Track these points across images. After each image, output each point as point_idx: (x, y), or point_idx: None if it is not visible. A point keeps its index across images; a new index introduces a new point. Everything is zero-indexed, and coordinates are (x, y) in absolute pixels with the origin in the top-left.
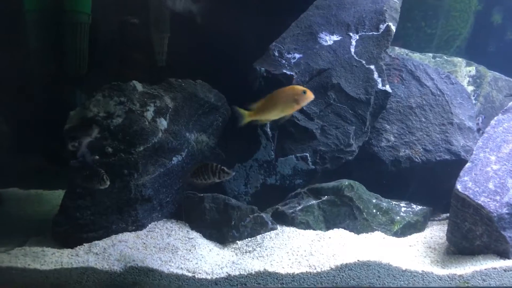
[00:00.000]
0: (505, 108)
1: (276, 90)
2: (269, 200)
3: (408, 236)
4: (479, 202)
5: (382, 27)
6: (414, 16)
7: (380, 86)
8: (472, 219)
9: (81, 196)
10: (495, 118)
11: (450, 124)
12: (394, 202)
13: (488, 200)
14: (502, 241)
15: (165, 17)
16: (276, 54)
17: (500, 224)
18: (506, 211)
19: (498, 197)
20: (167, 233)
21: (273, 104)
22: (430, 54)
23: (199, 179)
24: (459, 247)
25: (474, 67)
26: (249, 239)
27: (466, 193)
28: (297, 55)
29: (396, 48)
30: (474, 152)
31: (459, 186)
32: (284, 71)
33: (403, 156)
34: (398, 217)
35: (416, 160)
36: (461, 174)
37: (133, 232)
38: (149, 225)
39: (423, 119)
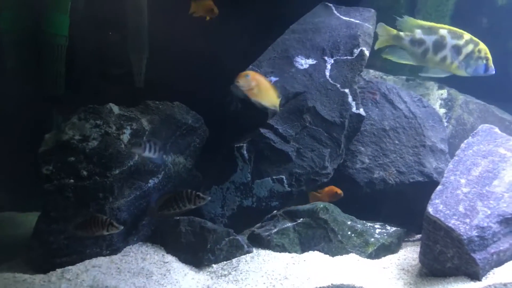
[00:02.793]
0: (475, 131)
1: None
2: (246, 222)
3: (382, 257)
4: (450, 225)
5: (356, 51)
6: None
7: (354, 109)
8: (443, 241)
9: (55, 220)
10: (465, 141)
11: (422, 146)
12: (369, 224)
13: (458, 223)
14: (472, 264)
15: (143, 38)
16: None
17: (470, 247)
18: (476, 234)
19: (468, 220)
20: (142, 257)
21: None
22: (404, 77)
23: (172, 209)
24: (431, 269)
25: (446, 90)
26: (225, 262)
27: (437, 215)
28: (273, 78)
29: (371, 70)
30: (445, 175)
31: (430, 209)
32: None
33: (377, 178)
34: (372, 239)
35: (390, 181)
36: (432, 196)
37: (108, 257)
38: (124, 249)
39: (397, 142)
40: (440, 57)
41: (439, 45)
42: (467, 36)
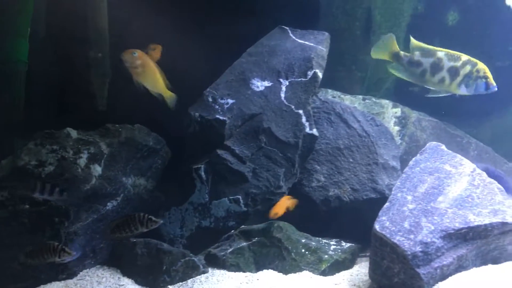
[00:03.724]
0: (423, 149)
1: None
2: (205, 243)
3: (336, 274)
4: (395, 241)
5: (310, 73)
6: (345, 60)
7: (307, 130)
8: (390, 257)
9: (10, 247)
10: (413, 158)
11: (375, 164)
12: (325, 241)
13: (403, 239)
14: (417, 278)
15: (106, 62)
16: (210, 99)
17: (414, 262)
18: (420, 249)
19: (412, 236)
20: (97, 281)
21: None
22: (360, 96)
23: (124, 233)
24: (380, 284)
25: (399, 109)
26: (180, 283)
27: (383, 232)
28: (230, 101)
29: (329, 90)
30: (392, 192)
31: (377, 226)
32: (217, 116)
33: (332, 196)
34: (326, 256)
35: (345, 199)
36: (379, 213)
37: (63, 281)
38: (81, 272)
39: (351, 160)
40: (438, 78)
41: (436, 67)
42: (464, 57)
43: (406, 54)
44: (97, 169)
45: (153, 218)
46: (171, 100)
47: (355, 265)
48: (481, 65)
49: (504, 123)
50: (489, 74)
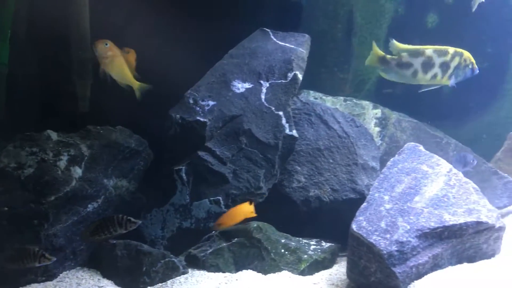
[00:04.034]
0: (401, 149)
1: None
2: (186, 244)
3: (315, 273)
4: (371, 240)
5: (290, 75)
6: (327, 62)
7: (287, 131)
8: (367, 256)
9: None
10: (391, 159)
11: (355, 164)
12: (305, 241)
13: (379, 238)
14: (392, 277)
15: (88, 64)
16: (191, 101)
17: (390, 261)
18: (395, 249)
19: (388, 235)
20: (77, 283)
21: None
22: (342, 98)
23: (102, 234)
24: (358, 283)
25: (380, 110)
26: (160, 284)
27: (360, 232)
28: (211, 102)
29: (311, 91)
30: (370, 192)
31: (354, 226)
32: (198, 118)
33: (312, 196)
34: (305, 256)
35: (325, 199)
36: (357, 214)
37: (42, 283)
38: (60, 274)
39: (331, 160)
40: (430, 75)
41: (427, 65)
42: (451, 50)
43: (393, 57)
44: (78, 171)
45: (132, 219)
46: (139, 89)
47: (335, 265)
48: (466, 54)
49: (483, 124)
50: (473, 60)
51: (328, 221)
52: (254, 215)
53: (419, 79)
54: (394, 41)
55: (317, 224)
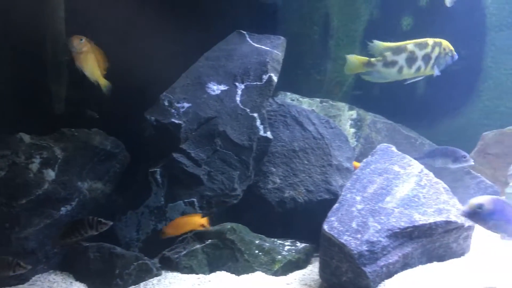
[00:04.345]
0: (374, 150)
1: None
2: (161, 246)
3: (289, 274)
4: (342, 240)
5: (265, 77)
6: (304, 64)
7: (262, 133)
8: (338, 256)
9: None
10: (364, 160)
11: (329, 165)
12: (279, 241)
13: (350, 238)
14: (363, 276)
15: (63, 65)
16: (166, 103)
17: (361, 261)
18: (366, 248)
19: (359, 235)
20: (48, 286)
21: None
22: (318, 99)
23: (73, 237)
24: (330, 283)
25: (355, 111)
26: (133, 286)
27: (331, 232)
28: (186, 104)
29: (288, 93)
30: (342, 193)
31: (325, 226)
32: (173, 120)
33: (287, 197)
34: (279, 256)
35: (299, 200)
36: (329, 214)
37: (14, 287)
38: (32, 278)
39: (306, 162)
40: (414, 69)
41: (411, 60)
42: (430, 41)
43: (378, 59)
44: (51, 174)
45: (103, 221)
46: (105, 87)
47: (309, 265)
48: (445, 43)
49: (457, 124)
50: (451, 47)
51: (303, 221)
52: (206, 228)
53: (405, 74)
54: (377, 42)
55: (292, 224)
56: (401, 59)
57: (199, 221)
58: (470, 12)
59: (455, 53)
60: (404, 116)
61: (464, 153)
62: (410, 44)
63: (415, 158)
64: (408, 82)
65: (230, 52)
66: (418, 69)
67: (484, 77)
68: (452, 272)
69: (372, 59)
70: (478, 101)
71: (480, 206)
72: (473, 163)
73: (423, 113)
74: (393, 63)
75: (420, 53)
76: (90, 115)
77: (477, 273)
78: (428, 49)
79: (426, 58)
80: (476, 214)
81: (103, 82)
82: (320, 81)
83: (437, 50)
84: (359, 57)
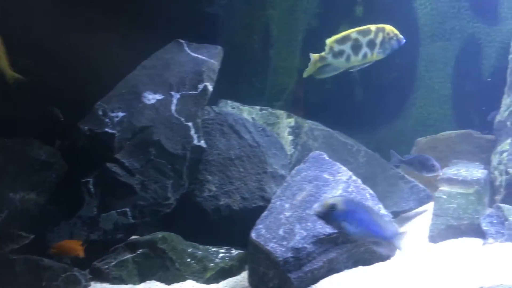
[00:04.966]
0: (306, 158)
1: None
2: (94, 256)
3: (221, 281)
4: (268, 248)
5: (200, 86)
6: (245, 72)
7: (195, 141)
8: (265, 263)
9: None
10: (296, 167)
11: (264, 173)
12: (214, 249)
13: (276, 245)
14: (288, 282)
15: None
16: (100, 113)
17: (286, 267)
18: (291, 255)
19: (285, 242)
20: None
21: None
22: (258, 107)
23: None
24: None
25: (293, 119)
26: None
27: (258, 240)
28: (120, 114)
29: (229, 101)
30: (272, 200)
31: (253, 234)
32: (106, 129)
33: (223, 205)
34: (212, 264)
35: (235, 207)
36: (257, 222)
37: None
38: None
39: (242, 169)
40: (361, 55)
41: (355, 47)
42: (373, 27)
43: (327, 52)
44: None
45: (23, 234)
46: (12, 78)
47: (243, 271)
48: (388, 27)
49: (394, 130)
50: (396, 31)
51: (239, 229)
52: (80, 255)
53: (353, 62)
54: (327, 40)
55: (228, 232)
56: (347, 47)
57: (77, 248)
58: (404, 22)
59: (401, 36)
60: (344, 123)
61: (434, 162)
62: (353, 32)
63: (394, 165)
64: (358, 68)
65: (167, 61)
66: (365, 55)
67: (418, 86)
68: (376, 275)
69: (323, 53)
70: (412, 108)
71: (333, 206)
72: (441, 173)
73: (361, 120)
74: (341, 53)
75: (364, 40)
76: (56, 115)
77: (400, 276)
78: (372, 35)
79: (371, 44)
80: (329, 215)
81: (8, 73)
82: (261, 89)
83: (380, 35)
84: (315, 54)
